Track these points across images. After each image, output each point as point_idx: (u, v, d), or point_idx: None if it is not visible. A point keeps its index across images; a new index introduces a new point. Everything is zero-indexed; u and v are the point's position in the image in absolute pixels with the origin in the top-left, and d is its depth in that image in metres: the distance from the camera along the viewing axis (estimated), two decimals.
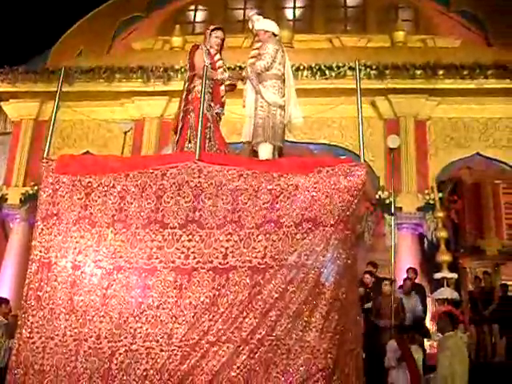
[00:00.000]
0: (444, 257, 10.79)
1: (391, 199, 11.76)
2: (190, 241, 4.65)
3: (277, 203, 4.55)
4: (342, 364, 4.42)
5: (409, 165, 12.91)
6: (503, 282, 12.44)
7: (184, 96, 6.06)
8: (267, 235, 4.52)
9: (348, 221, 4.45)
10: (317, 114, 12.32)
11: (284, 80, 5.88)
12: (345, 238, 4.49)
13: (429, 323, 10.05)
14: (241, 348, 4.37)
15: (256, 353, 4.36)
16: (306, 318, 4.39)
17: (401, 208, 12.20)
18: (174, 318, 4.52)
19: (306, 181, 4.54)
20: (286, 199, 4.54)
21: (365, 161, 4.99)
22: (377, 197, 11.86)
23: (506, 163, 13.51)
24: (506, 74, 13.10)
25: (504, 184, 14.54)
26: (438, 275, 10.72)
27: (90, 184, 5.05)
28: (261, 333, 4.39)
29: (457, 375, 7.18)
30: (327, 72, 13.12)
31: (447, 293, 10.29)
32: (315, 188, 4.50)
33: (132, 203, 4.90)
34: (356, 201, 4.43)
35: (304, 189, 4.52)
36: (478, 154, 13.53)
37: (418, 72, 13.13)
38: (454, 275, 10.74)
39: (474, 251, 12.98)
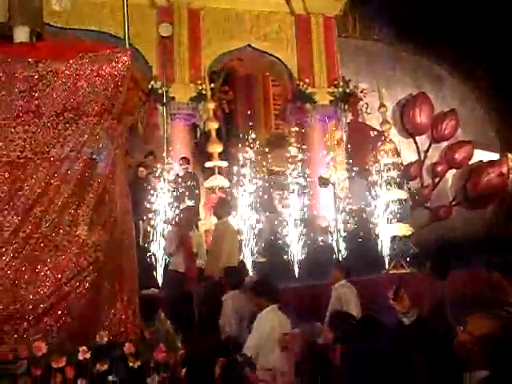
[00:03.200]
0: (215, 146, 11.10)
1: (164, 89, 11.72)
2: None
3: (35, 92, 4.16)
4: (114, 256, 4.38)
5: (182, 55, 12.84)
6: (271, 168, 13.36)
7: None
8: (26, 127, 4.15)
9: (113, 110, 4.26)
10: None
11: None
12: (111, 128, 4.30)
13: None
14: (3, 249, 4.09)
15: (21, 252, 4.12)
16: (72, 212, 4.22)
17: (174, 98, 12.22)
18: None
19: (66, 67, 4.19)
20: (46, 87, 4.16)
21: (131, 45, 4.77)
22: (149, 87, 11.70)
23: (274, 56, 14.08)
24: None
25: (273, 76, 15.27)
26: (209, 164, 11.05)
27: None
28: (25, 231, 4.12)
29: (226, 250, 7.83)
30: None
31: (218, 180, 10.72)
32: (77, 75, 4.17)
33: None
34: (121, 89, 4.22)
35: (65, 76, 4.17)
36: (249, 45, 13.87)
37: None
38: (224, 163, 11.16)
39: (244, 140, 13.59)
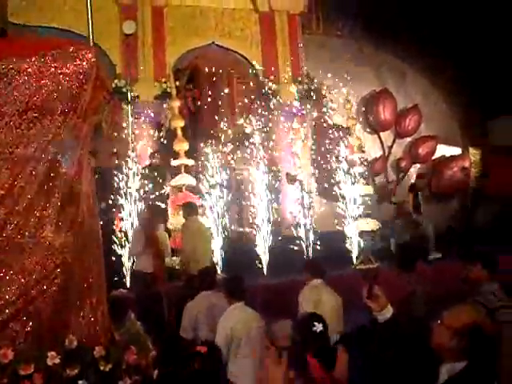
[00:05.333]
0: (181, 144, 11.00)
1: (128, 88, 11.58)
2: None
3: None
4: (82, 257, 4.28)
5: (146, 53, 12.72)
6: (236, 167, 13.30)
7: None
8: None
9: (78, 108, 4.16)
10: None
11: None
12: (76, 127, 4.20)
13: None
14: None
15: None
16: (38, 214, 4.11)
17: (138, 97, 12.09)
18: None
19: (28, 65, 4.07)
20: (7, 86, 4.04)
21: (95, 44, 4.66)
22: (113, 86, 11.53)
23: (239, 53, 14.04)
24: None
25: (237, 74, 15.20)
26: (175, 162, 10.95)
27: None
28: None
29: (198, 250, 7.77)
30: None
31: (184, 179, 10.62)
32: (40, 73, 4.06)
33: None
34: (86, 87, 4.13)
35: (27, 74, 4.05)
36: (213, 43, 13.81)
37: None
38: (191, 161, 11.07)
39: (210, 137, 13.53)
